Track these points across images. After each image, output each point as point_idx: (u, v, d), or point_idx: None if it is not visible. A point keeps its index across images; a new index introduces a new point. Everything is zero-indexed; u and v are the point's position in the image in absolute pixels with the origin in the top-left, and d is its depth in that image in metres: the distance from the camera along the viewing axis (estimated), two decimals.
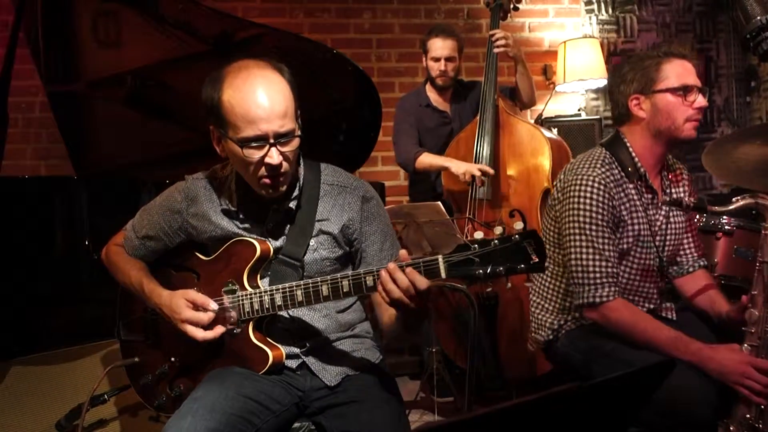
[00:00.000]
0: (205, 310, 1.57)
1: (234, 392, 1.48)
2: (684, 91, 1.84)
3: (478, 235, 1.37)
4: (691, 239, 2.10)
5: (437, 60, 3.33)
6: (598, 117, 4.20)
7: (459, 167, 3.06)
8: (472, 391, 2.59)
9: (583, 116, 4.25)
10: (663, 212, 1.99)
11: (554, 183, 2.05)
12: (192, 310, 1.57)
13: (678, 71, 1.86)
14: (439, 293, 3.14)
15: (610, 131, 4.38)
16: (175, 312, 1.57)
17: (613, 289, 1.83)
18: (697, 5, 4.69)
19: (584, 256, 1.85)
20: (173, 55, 2.85)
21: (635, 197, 1.93)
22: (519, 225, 1.34)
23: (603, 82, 4.27)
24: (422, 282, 1.33)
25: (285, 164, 1.52)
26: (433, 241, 2.75)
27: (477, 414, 0.82)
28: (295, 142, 1.53)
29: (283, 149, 1.50)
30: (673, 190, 2.03)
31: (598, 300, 1.82)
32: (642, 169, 1.92)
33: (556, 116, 4.19)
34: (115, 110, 2.98)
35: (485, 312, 2.92)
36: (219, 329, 1.57)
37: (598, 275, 1.83)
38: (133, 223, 1.80)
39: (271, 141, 1.48)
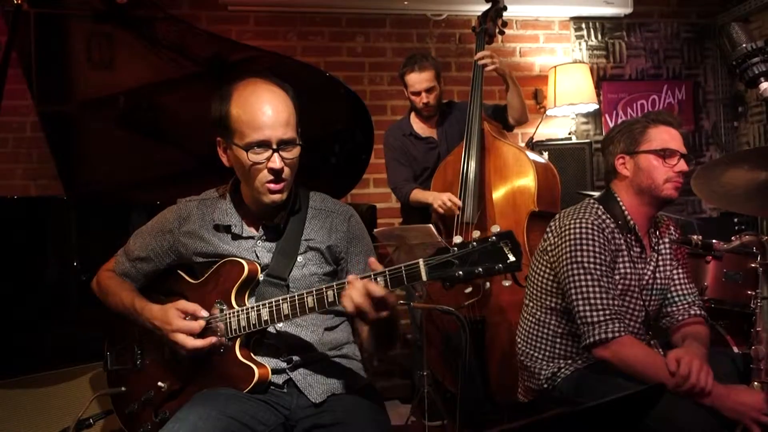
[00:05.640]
0: (196, 318, 1.60)
1: (218, 413, 1.47)
2: (665, 153, 1.93)
3: (458, 239, 1.41)
4: (681, 283, 2.09)
5: (417, 94, 3.31)
6: (588, 141, 4.23)
7: (435, 200, 3.08)
8: (463, 415, 2.57)
9: (574, 140, 4.29)
10: (651, 267, 2.02)
11: (546, 230, 2.06)
12: (183, 320, 1.60)
13: (663, 137, 1.96)
14: (429, 317, 3.12)
15: (598, 153, 4.48)
16: (167, 323, 1.60)
17: (622, 324, 1.82)
18: (684, 32, 4.78)
19: (591, 294, 1.84)
20: (167, 77, 2.86)
21: (625, 250, 1.95)
22: (496, 228, 1.37)
23: (593, 107, 4.32)
24: (377, 290, 1.38)
25: (287, 170, 1.59)
26: None
27: None
28: (297, 150, 1.61)
29: (285, 155, 1.58)
30: (661, 245, 2.06)
31: (610, 336, 1.79)
32: (632, 223, 1.97)
33: (547, 140, 4.22)
34: (107, 131, 2.98)
35: (474, 336, 2.90)
36: (209, 339, 1.58)
37: (607, 312, 1.82)
38: (125, 247, 1.83)
39: (274, 147, 1.56)
